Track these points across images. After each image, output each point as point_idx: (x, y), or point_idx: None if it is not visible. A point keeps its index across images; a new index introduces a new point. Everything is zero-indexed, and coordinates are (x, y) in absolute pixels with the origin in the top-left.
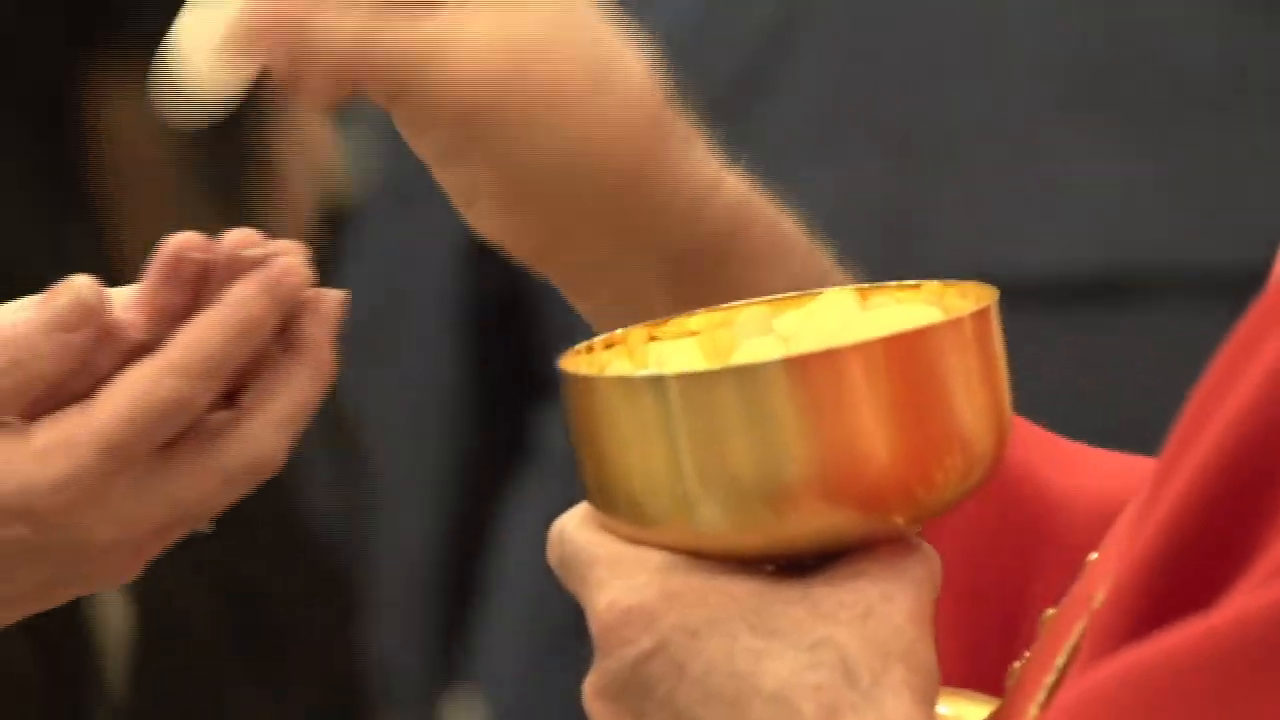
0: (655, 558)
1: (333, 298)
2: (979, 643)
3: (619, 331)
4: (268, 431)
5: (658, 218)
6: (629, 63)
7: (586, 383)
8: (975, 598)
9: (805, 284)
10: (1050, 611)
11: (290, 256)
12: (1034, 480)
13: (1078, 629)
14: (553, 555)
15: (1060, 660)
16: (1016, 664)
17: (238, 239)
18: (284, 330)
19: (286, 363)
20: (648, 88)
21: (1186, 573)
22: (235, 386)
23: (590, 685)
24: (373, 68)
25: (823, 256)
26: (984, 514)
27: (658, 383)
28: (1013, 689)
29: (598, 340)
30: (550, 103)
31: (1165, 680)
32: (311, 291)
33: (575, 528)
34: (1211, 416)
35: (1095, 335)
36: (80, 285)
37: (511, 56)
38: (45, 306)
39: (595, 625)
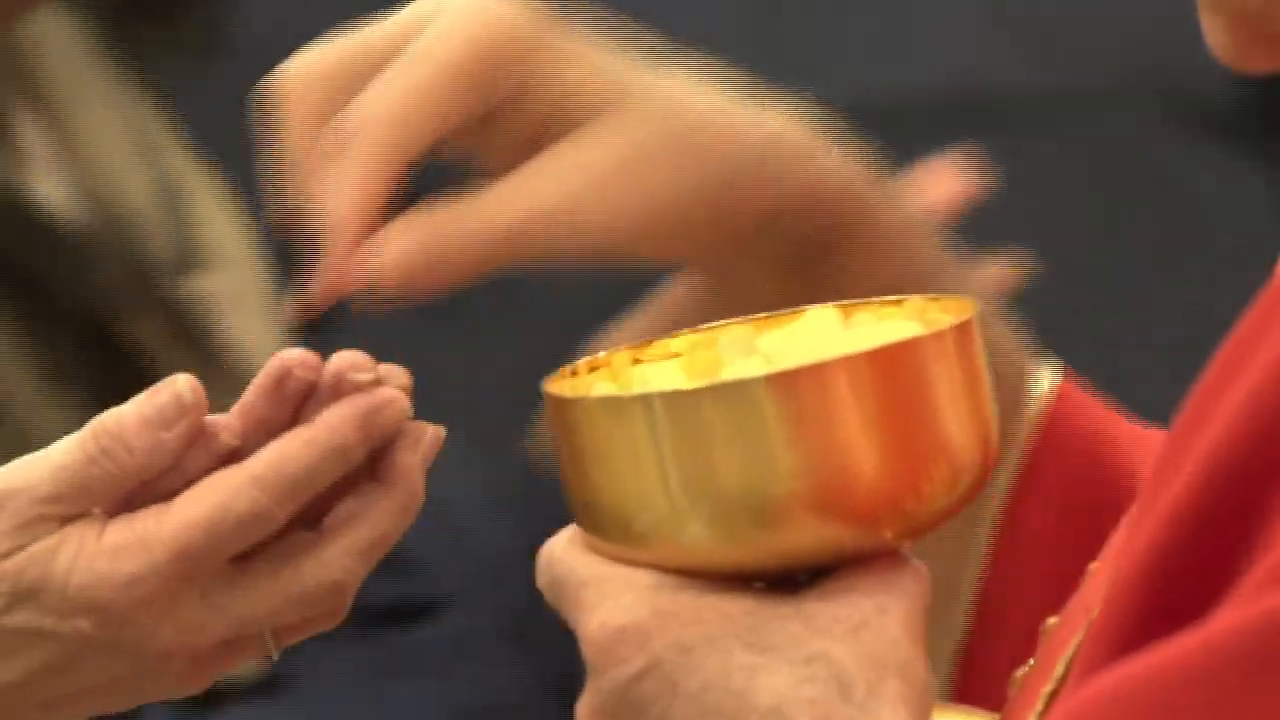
0: (645, 577)
1: (431, 432)
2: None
3: (602, 354)
4: (345, 558)
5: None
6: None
7: (572, 404)
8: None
9: (913, 278)
10: (1052, 620)
11: (394, 385)
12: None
13: (1076, 639)
14: (542, 578)
15: (1059, 670)
16: (1019, 672)
17: (348, 361)
18: (377, 459)
19: (374, 491)
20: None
21: (1179, 584)
22: (321, 508)
23: (583, 706)
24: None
25: (935, 249)
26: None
27: (644, 402)
28: (1014, 698)
29: (581, 363)
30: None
31: (1158, 694)
32: (410, 424)
33: (563, 550)
34: (1202, 430)
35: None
36: (180, 383)
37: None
38: (145, 402)
39: (587, 646)
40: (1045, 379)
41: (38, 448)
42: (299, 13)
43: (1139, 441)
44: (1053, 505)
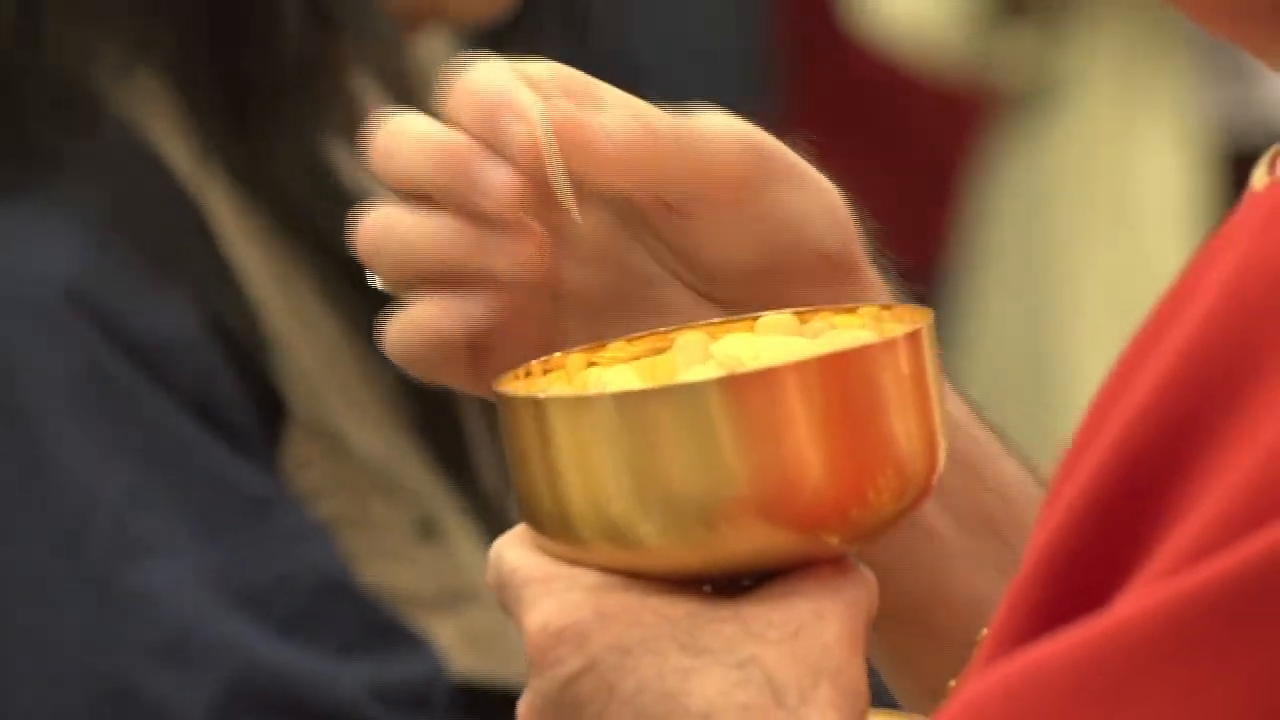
0: (589, 577)
1: None
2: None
3: (557, 355)
4: None
5: None
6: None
7: (524, 403)
8: None
9: None
10: (984, 631)
11: None
12: None
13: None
14: (490, 576)
15: None
16: (953, 682)
17: None
18: None
19: None
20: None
21: (1078, 575)
22: None
23: (523, 705)
24: None
25: None
26: None
27: (595, 402)
28: (943, 707)
29: (535, 364)
30: None
31: (1054, 683)
32: None
33: (510, 548)
34: (1103, 426)
35: None
36: None
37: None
38: None
39: (528, 645)
40: None
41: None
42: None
43: None
44: None
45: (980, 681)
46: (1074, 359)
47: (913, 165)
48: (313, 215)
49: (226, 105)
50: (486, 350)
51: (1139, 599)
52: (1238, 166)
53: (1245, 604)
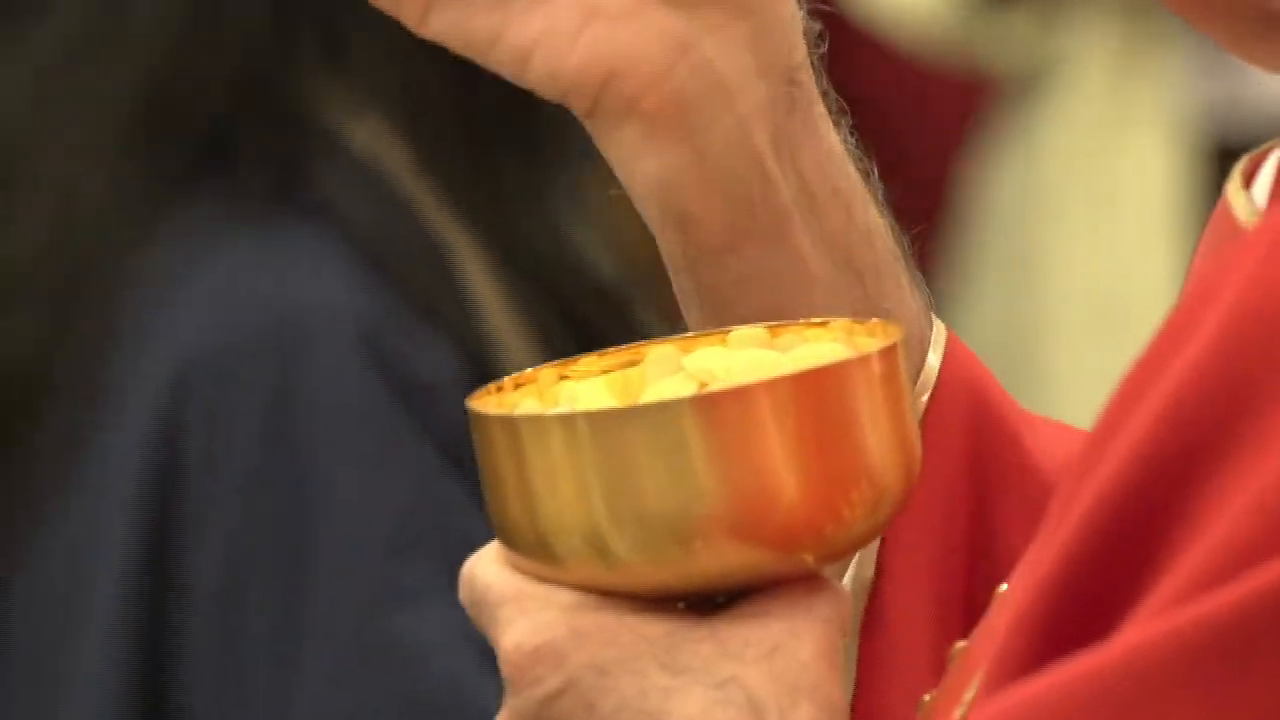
0: (563, 596)
1: None
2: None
3: (529, 371)
4: None
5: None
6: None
7: (496, 422)
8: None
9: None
10: (960, 644)
11: None
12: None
13: (984, 666)
14: (464, 595)
15: (969, 694)
16: (927, 697)
17: None
18: None
19: None
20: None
21: (1083, 604)
22: None
23: None
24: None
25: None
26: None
27: (567, 421)
28: None
29: (507, 380)
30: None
31: (1065, 711)
32: None
33: (484, 566)
34: (1110, 447)
35: None
36: None
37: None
38: None
39: (504, 665)
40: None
41: None
42: None
43: (1030, 426)
44: (934, 513)
45: (986, 710)
46: (1057, 343)
47: (905, 152)
48: (553, 278)
49: (467, 153)
50: None
51: (1145, 629)
52: (1225, 158)
53: (1251, 636)
